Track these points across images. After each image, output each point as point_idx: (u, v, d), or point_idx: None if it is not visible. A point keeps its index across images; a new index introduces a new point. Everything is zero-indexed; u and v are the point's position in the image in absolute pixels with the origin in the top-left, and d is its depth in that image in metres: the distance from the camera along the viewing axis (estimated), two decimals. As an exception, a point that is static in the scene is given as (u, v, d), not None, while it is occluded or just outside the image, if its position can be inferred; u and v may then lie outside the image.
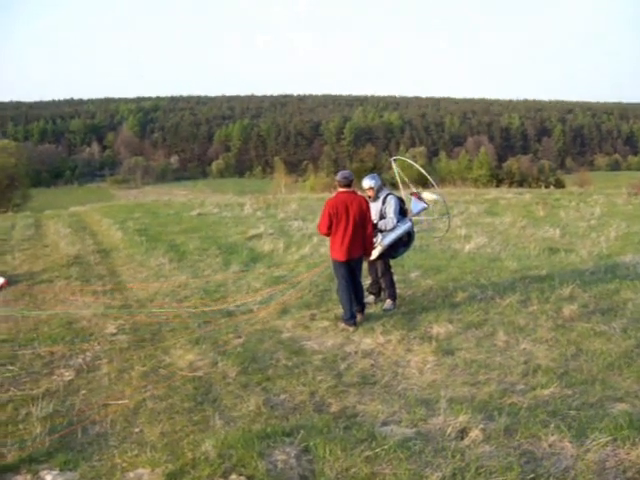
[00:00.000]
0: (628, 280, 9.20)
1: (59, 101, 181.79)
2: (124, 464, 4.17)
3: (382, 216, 8.15)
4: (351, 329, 7.27)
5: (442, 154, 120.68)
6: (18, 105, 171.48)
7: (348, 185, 7.43)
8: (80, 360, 6.58)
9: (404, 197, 8.59)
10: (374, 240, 8.00)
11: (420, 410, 4.80)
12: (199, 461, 3.93)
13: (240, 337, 7.20)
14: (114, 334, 7.47)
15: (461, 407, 4.70)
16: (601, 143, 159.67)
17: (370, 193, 8.20)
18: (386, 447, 3.98)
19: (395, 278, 8.64)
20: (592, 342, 6.55)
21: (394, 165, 8.81)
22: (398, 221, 8.16)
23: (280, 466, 3.85)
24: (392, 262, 8.63)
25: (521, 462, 3.79)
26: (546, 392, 5.20)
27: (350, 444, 4.09)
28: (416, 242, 13.24)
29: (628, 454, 3.80)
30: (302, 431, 4.34)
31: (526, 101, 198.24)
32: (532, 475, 3.62)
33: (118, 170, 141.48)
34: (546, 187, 32.60)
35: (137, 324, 7.85)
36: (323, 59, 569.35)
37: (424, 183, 9.86)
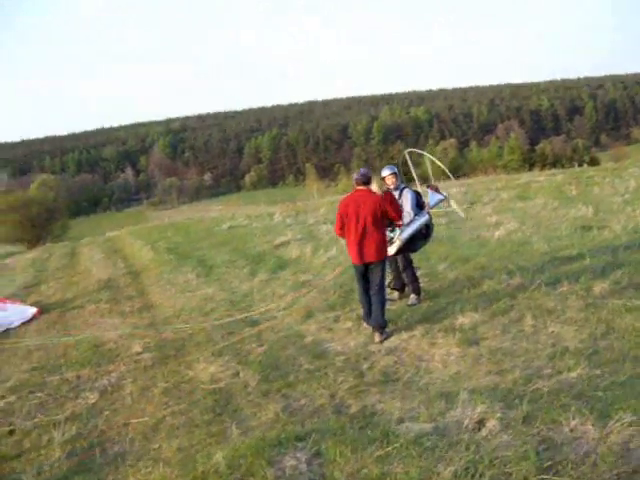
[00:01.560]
0: (664, 253, 8.85)
1: (90, 131, 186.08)
2: (137, 482, 4.13)
3: (399, 210, 8.03)
4: (379, 339, 6.77)
5: (473, 144, 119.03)
6: (53, 139, 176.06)
7: (365, 183, 6.98)
8: (105, 381, 6.63)
9: (420, 190, 8.43)
10: (392, 235, 7.89)
11: (439, 404, 4.64)
12: (209, 473, 3.86)
13: (263, 345, 7.15)
14: (139, 353, 7.50)
15: (481, 397, 4.52)
16: (636, 115, 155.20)
17: (391, 180, 8.06)
18: (397, 445, 3.83)
19: (419, 272, 8.48)
20: (623, 319, 6.27)
21: (407, 157, 8.67)
22: (416, 214, 8.02)
23: (289, 472, 3.75)
24: (417, 255, 8.47)
25: (539, 449, 3.60)
26: (573, 374, 4.99)
27: (362, 444, 3.96)
28: (443, 233, 13.14)
29: (654, 432, 3.58)
30: (314, 434, 4.23)
31: (554, 81, 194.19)
32: (549, 462, 3.41)
33: (154, 192, 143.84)
34: (579, 166, 31.78)
35: (163, 341, 7.88)
36: (344, 61, 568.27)
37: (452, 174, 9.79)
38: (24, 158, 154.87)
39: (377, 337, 6.83)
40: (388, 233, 8.02)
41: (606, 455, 3.42)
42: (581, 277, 7.95)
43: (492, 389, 4.89)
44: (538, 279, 8.09)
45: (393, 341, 6.68)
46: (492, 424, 3.97)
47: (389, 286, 8.40)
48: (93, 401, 6.10)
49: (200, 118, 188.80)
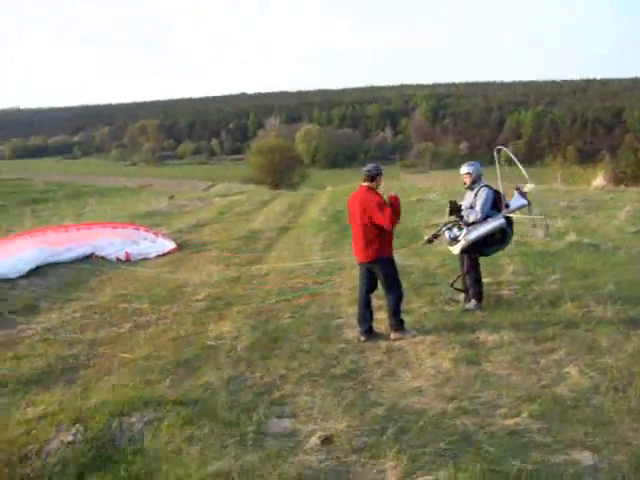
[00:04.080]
0: None
1: (360, 88, 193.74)
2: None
3: (472, 207, 7.56)
4: (362, 339, 6.55)
5: None
6: (324, 92, 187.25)
7: (368, 179, 6.59)
8: (148, 318, 7.47)
9: (502, 191, 7.75)
10: (457, 234, 7.48)
11: (338, 413, 4.54)
12: (81, 411, 4.34)
13: (293, 317, 7.36)
14: (198, 300, 8.20)
15: (362, 418, 4.33)
16: None
17: (466, 179, 7.68)
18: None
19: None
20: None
21: (496, 156, 7.99)
22: (489, 216, 7.46)
23: (123, 429, 4.07)
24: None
25: None
26: (510, 422, 4.49)
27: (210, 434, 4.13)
28: (609, 244, 11.77)
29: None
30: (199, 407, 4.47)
31: None
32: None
33: (408, 155, 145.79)
34: None
35: (225, 294, 8.48)
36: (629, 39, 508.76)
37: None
38: (296, 107, 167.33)
39: (392, 334, 6.63)
40: (455, 231, 7.61)
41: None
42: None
43: (412, 413, 4.60)
44: (624, 314, 7.06)
45: (403, 341, 6.44)
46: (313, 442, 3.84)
47: (452, 285, 7.99)
48: (122, 331, 6.96)
49: (467, 86, 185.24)
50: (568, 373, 5.54)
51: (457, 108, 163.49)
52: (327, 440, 3.97)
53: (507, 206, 7.61)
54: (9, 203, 27.02)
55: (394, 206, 6.48)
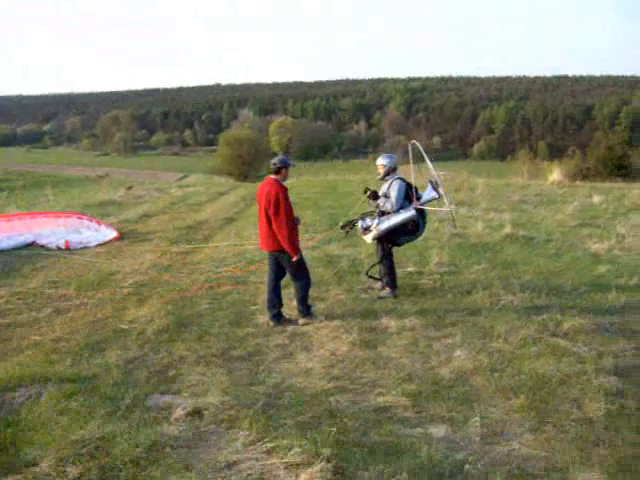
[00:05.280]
0: None
1: (333, 81, 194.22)
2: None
3: (385, 196, 7.87)
4: (271, 324, 6.86)
5: None
6: (299, 85, 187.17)
7: (274, 171, 6.80)
8: (70, 303, 7.63)
9: (414, 182, 8.04)
10: (370, 224, 7.77)
11: (216, 389, 4.82)
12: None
13: (212, 303, 7.59)
14: (124, 287, 8.39)
15: (238, 394, 4.60)
16: None
17: (380, 170, 8.02)
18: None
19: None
20: (525, 360, 5.66)
21: (410, 148, 8.27)
22: (401, 208, 7.77)
23: (4, 403, 4.33)
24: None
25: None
26: (381, 399, 4.78)
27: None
28: (543, 237, 12.15)
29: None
30: (72, 384, 4.73)
31: None
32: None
33: (381, 148, 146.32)
34: None
35: (152, 282, 8.67)
36: (601, 37, 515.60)
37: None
38: (270, 99, 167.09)
39: (300, 320, 6.94)
40: (368, 221, 7.89)
41: None
42: (583, 316, 6.94)
43: (290, 391, 4.89)
44: (530, 302, 7.43)
45: (310, 326, 6.72)
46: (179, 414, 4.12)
47: (367, 274, 8.28)
48: (41, 315, 7.13)
49: (441, 80, 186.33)
50: (457, 356, 5.86)
51: (430, 103, 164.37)
52: (194, 412, 4.26)
53: (419, 198, 7.90)
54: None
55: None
